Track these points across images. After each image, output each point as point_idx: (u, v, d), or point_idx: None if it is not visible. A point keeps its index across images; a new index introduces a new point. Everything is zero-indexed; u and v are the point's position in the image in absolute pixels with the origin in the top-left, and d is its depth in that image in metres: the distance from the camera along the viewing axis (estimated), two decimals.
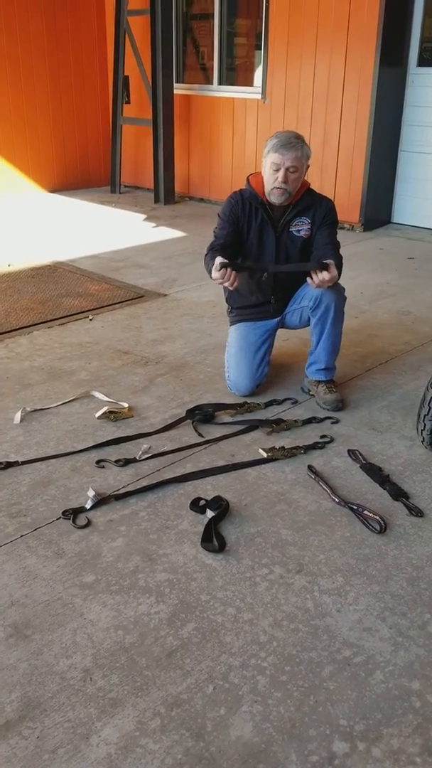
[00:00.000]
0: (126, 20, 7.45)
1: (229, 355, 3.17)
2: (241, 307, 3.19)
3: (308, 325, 3.09)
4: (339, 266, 2.91)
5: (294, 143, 2.85)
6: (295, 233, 3.02)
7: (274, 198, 2.92)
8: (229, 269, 2.73)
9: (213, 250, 2.91)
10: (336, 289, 2.95)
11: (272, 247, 3.02)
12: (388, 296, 4.54)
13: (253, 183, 3.01)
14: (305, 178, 2.99)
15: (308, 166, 2.94)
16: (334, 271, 2.79)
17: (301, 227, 3.01)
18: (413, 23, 5.96)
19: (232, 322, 3.25)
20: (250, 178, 3.04)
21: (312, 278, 2.80)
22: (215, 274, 2.75)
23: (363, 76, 6.04)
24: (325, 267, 2.78)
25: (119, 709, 1.62)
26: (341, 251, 3.02)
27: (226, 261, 2.75)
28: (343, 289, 3.01)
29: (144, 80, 7.43)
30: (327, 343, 3.04)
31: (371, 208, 6.33)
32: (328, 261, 2.81)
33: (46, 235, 6.19)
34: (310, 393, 3.12)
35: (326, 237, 3.00)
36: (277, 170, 2.85)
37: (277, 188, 2.88)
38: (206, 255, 2.93)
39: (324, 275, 2.77)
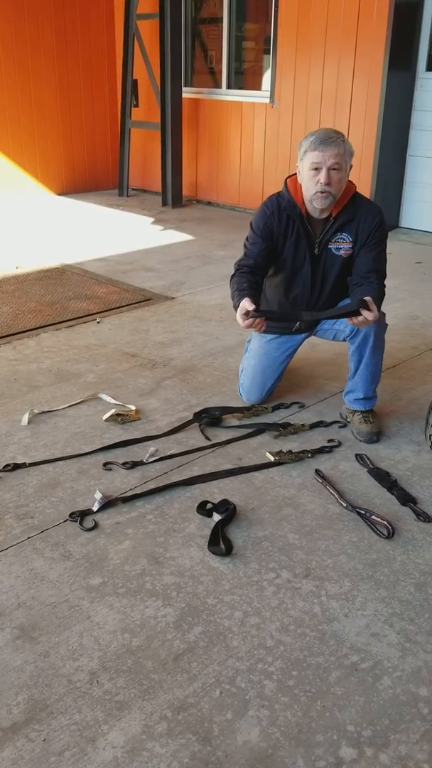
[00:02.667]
0: (135, 24, 7.47)
1: (247, 364, 3.06)
2: (271, 320, 2.86)
3: (341, 340, 2.93)
4: (381, 297, 2.67)
5: (334, 138, 2.56)
6: (334, 251, 2.76)
7: (318, 203, 2.63)
8: (256, 318, 2.53)
9: (241, 274, 2.70)
10: (381, 314, 2.70)
11: (308, 266, 2.79)
12: (396, 301, 4.53)
13: (290, 187, 2.72)
14: (349, 179, 2.70)
15: (351, 166, 2.66)
16: (376, 311, 2.50)
17: (342, 245, 2.75)
18: (422, 28, 5.96)
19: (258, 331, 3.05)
20: (288, 182, 2.75)
21: (352, 319, 2.55)
22: (240, 320, 2.54)
23: (372, 81, 6.04)
24: (366, 306, 2.48)
25: (126, 713, 1.62)
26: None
27: (253, 310, 2.52)
28: (384, 315, 2.77)
29: (152, 84, 7.44)
30: (365, 372, 2.83)
31: None
32: (368, 298, 2.50)
33: (53, 237, 6.20)
34: (347, 420, 2.93)
35: (370, 262, 2.72)
36: (318, 170, 2.56)
37: (320, 192, 2.58)
38: (233, 276, 2.74)
39: (364, 317, 2.49)
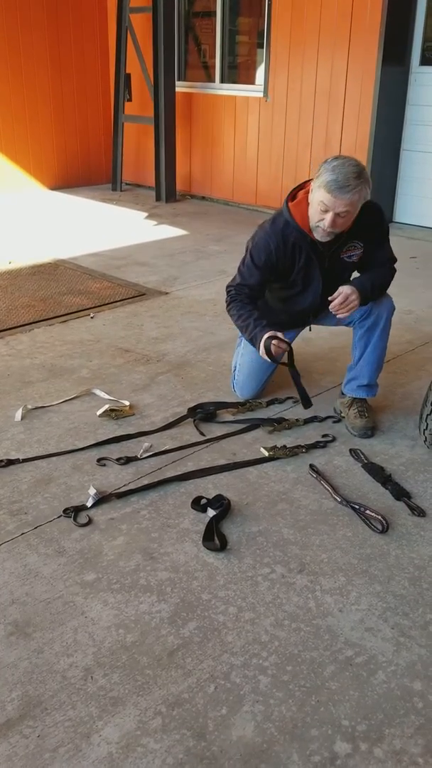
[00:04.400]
0: (128, 17, 7.44)
1: (242, 361, 3.04)
2: (270, 322, 2.83)
3: (345, 325, 2.89)
4: (387, 280, 2.73)
5: (352, 185, 2.41)
6: (346, 259, 2.74)
7: (318, 236, 2.61)
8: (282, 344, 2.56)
9: (244, 304, 2.68)
10: (387, 299, 2.77)
11: (319, 280, 2.75)
12: None
13: (297, 216, 2.62)
14: None
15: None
16: (349, 294, 2.57)
17: (354, 252, 2.73)
18: (416, 22, 5.95)
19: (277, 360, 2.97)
20: (292, 208, 2.64)
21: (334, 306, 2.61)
22: (267, 353, 2.55)
23: (365, 75, 6.03)
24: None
25: (120, 708, 1.61)
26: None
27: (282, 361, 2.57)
28: (391, 298, 2.79)
29: (146, 78, 7.41)
30: (372, 357, 2.80)
31: None
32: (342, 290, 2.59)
33: (47, 232, 6.18)
34: (342, 415, 2.90)
35: (380, 256, 2.74)
36: (325, 212, 2.48)
37: (323, 229, 2.55)
38: (233, 301, 2.71)
39: (337, 301, 2.58)
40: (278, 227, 2.67)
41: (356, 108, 6.18)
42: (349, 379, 2.91)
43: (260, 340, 2.61)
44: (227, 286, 2.81)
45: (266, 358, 2.60)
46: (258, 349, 2.66)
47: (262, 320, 2.67)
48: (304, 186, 2.68)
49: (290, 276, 2.75)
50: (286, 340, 2.63)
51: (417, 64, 6.07)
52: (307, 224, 2.61)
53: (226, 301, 2.81)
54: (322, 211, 2.49)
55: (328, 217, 2.49)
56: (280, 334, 2.61)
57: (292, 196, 2.68)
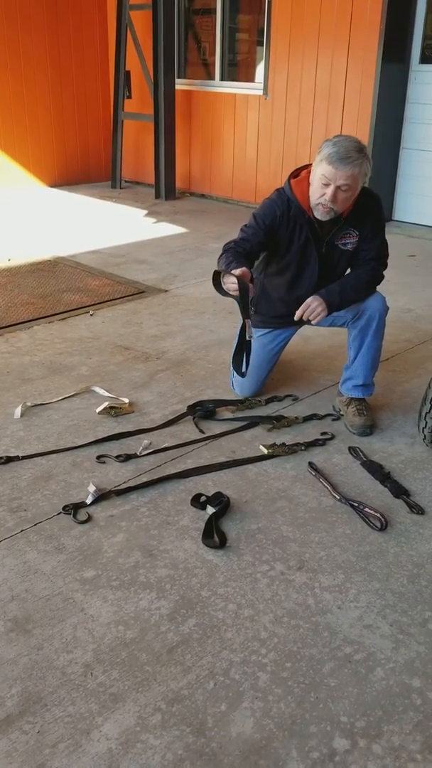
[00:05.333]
0: (128, 15, 7.43)
1: None
2: (268, 315, 2.97)
3: (339, 326, 2.91)
4: (373, 281, 2.78)
5: (354, 157, 2.46)
6: (341, 246, 2.75)
7: (318, 214, 2.62)
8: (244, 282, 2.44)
9: (236, 253, 2.61)
10: (380, 298, 2.79)
11: (315, 266, 2.77)
12: (388, 294, 4.50)
13: (297, 193, 2.65)
14: None
15: (367, 174, 2.60)
16: (310, 303, 2.64)
17: (349, 239, 2.73)
18: (416, 20, 5.95)
19: (253, 324, 2.99)
20: (293, 184, 2.67)
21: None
22: (228, 279, 2.46)
23: (365, 73, 6.03)
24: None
25: (120, 705, 1.62)
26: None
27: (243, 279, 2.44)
28: (384, 298, 2.81)
29: (145, 75, 7.41)
30: (367, 357, 2.82)
31: None
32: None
33: (46, 229, 6.18)
34: (341, 413, 2.92)
35: (373, 250, 2.76)
36: (327, 185, 2.51)
37: (323, 205, 2.57)
38: (225, 252, 2.66)
39: (299, 311, 2.66)
40: (285, 198, 2.70)
41: (356, 106, 6.18)
42: (345, 379, 2.92)
43: (229, 267, 2.53)
44: (227, 243, 2.74)
45: (228, 280, 2.48)
46: (222, 281, 2.55)
47: (243, 261, 2.58)
48: (307, 166, 2.71)
49: (287, 252, 2.75)
50: (244, 279, 2.47)
51: (417, 62, 6.07)
52: (308, 203, 2.64)
53: (221, 254, 2.71)
54: (323, 185, 2.52)
55: (329, 190, 2.51)
56: (242, 271, 2.48)
57: (295, 173, 2.72)
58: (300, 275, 2.80)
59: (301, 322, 2.95)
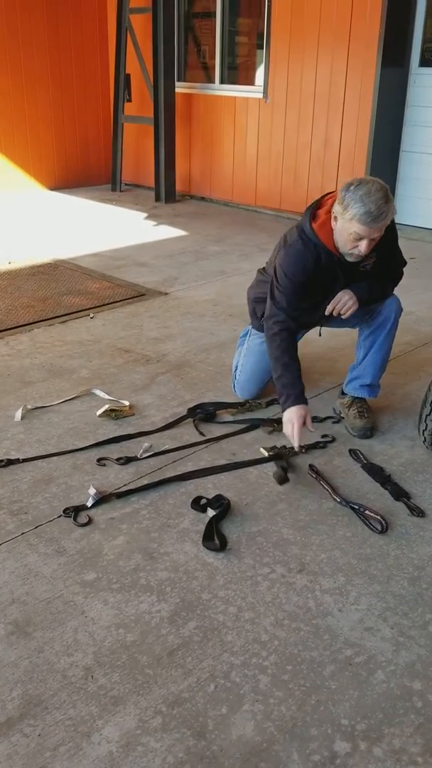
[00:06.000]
0: (128, 18, 7.45)
1: (246, 361, 3.04)
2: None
3: (351, 327, 2.89)
4: (384, 289, 2.76)
5: (385, 213, 2.38)
6: (361, 269, 2.69)
7: (350, 259, 2.56)
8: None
9: (283, 336, 2.59)
10: (395, 299, 2.78)
11: (340, 288, 2.70)
12: None
13: (323, 238, 2.55)
14: None
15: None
16: (341, 296, 2.64)
17: (369, 261, 2.68)
18: (415, 23, 5.96)
19: (260, 329, 2.95)
20: (317, 230, 2.55)
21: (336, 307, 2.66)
22: (293, 429, 2.47)
23: (365, 76, 6.04)
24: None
25: (120, 708, 1.62)
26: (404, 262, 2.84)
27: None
28: (399, 300, 2.81)
29: (145, 78, 7.42)
30: (377, 356, 2.80)
31: None
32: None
33: (46, 232, 6.18)
34: (341, 415, 2.90)
35: (393, 260, 2.73)
36: (359, 239, 2.44)
37: (356, 255, 2.51)
38: (274, 336, 2.61)
39: (339, 306, 2.64)
40: (311, 246, 2.59)
41: (356, 109, 6.19)
42: (351, 378, 2.91)
43: (288, 406, 2.54)
44: (268, 317, 2.68)
45: (293, 428, 2.51)
46: (282, 407, 2.58)
47: (299, 384, 2.59)
48: (322, 203, 2.62)
49: (315, 290, 2.70)
50: (306, 426, 2.52)
51: (416, 66, 6.08)
52: (334, 245, 2.55)
53: (269, 332, 2.67)
54: (355, 239, 2.44)
55: (364, 244, 2.44)
56: (307, 420, 2.52)
57: (313, 214, 2.61)
58: (322, 302, 2.76)
59: (314, 325, 2.93)
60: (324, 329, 3.03)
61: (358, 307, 2.68)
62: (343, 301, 2.66)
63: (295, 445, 2.52)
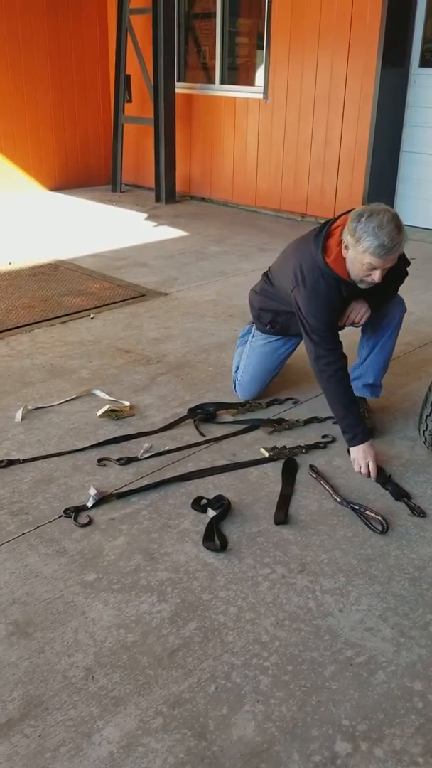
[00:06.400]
0: (128, 19, 7.45)
1: (248, 362, 3.04)
2: (291, 332, 2.91)
3: (356, 326, 2.87)
4: (401, 280, 2.79)
5: (397, 243, 2.36)
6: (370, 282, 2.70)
7: (363, 286, 2.55)
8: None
9: (340, 375, 2.60)
10: (400, 300, 2.80)
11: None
12: None
13: (339, 271, 2.53)
14: None
15: None
16: (360, 307, 2.67)
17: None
18: (415, 24, 5.96)
19: (264, 331, 3.01)
20: (332, 264, 2.53)
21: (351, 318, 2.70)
22: (367, 470, 2.53)
23: (365, 77, 6.04)
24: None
25: (121, 708, 1.62)
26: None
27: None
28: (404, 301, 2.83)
29: (145, 79, 7.42)
30: (380, 357, 2.82)
31: None
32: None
33: (46, 233, 6.18)
34: None
35: (401, 267, 2.71)
36: (372, 269, 2.43)
37: (368, 282, 2.51)
38: (331, 378, 2.60)
39: (353, 315, 2.68)
40: (332, 286, 2.57)
41: (356, 110, 6.19)
42: (353, 378, 2.89)
43: (356, 443, 2.58)
44: (313, 360, 2.66)
45: (367, 470, 2.55)
46: (349, 443, 2.61)
47: (363, 421, 2.64)
48: (330, 233, 2.58)
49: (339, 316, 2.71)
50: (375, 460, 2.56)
51: (416, 66, 6.08)
52: (347, 274, 2.53)
53: (324, 375, 2.63)
54: (368, 269, 2.43)
55: (377, 274, 2.43)
56: (374, 452, 2.58)
57: (324, 248, 2.56)
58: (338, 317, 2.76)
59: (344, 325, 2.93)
60: None
61: (371, 313, 2.71)
62: (357, 310, 2.69)
63: (373, 476, 2.53)
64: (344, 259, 2.51)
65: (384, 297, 2.76)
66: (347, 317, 2.72)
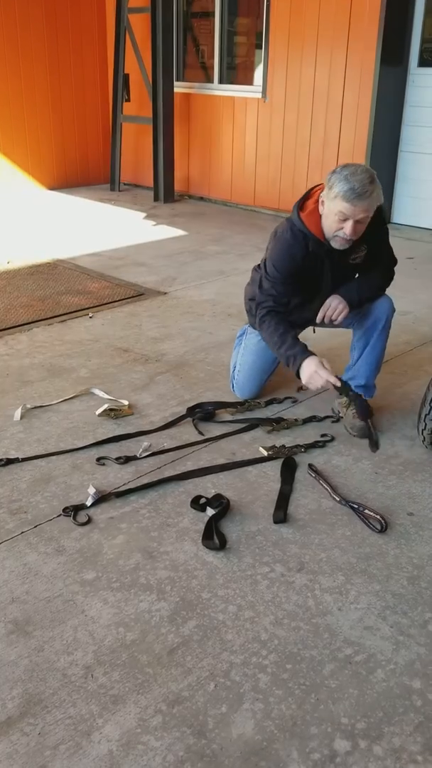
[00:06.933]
0: (126, 18, 7.44)
1: (243, 360, 3.05)
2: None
3: (345, 327, 2.91)
4: (386, 281, 2.80)
5: (369, 191, 2.42)
6: (351, 261, 2.76)
7: (336, 245, 2.60)
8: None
9: (279, 320, 2.64)
10: (387, 299, 2.81)
11: (328, 286, 2.77)
12: None
13: (311, 227, 2.60)
14: None
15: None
16: (331, 302, 2.68)
17: (359, 254, 2.74)
18: (414, 23, 5.96)
19: (255, 326, 3.01)
20: (304, 219, 2.61)
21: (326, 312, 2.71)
22: (316, 383, 2.52)
23: (364, 76, 6.05)
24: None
25: (120, 706, 1.62)
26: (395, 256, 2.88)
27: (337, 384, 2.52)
28: (391, 299, 2.83)
29: (144, 78, 7.42)
30: (370, 357, 2.83)
31: None
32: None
33: (45, 232, 6.18)
34: (340, 415, 2.90)
35: (379, 254, 2.76)
36: (345, 220, 2.48)
37: (341, 238, 2.55)
38: (264, 320, 2.66)
39: (329, 312, 2.68)
40: (300, 237, 2.64)
41: (354, 109, 6.19)
42: (346, 379, 2.91)
43: (299, 364, 2.57)
44: (257, 305, 2.73)
45: (315, 383, 2.55)
46: (295, 370, 2.61)
47: (303, 346, 2.63)
48: (310, 195, 2.68)
49: (306, 281, 2.74)
50: (327, 368, 2.55)
51: (415, 66, 6.08)
52: (322, 233, 2.60)
53: (258, 318, 2.71)
54: (340, 220, 2.48)
55: (348, 225, 2.48)
56: (325, 364, 2.55)
57: (301, 205, 2.66)
58: (313, 298, 2.80)
59: (308, 324, 2.96)
60: (318, 329, 3.04)
61: (348, 311, 2.72)
62: (333, 307, 2.70)
63: (333, 380, 2.51)
64: (319, 216, 2.58)
65: (362, 289, 2.74)
66: (323, 314, 2.72)
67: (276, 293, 2.70)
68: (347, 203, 2.43)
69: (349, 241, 2.58)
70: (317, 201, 2.60)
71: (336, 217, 2.49)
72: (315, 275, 2.72)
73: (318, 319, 2.74)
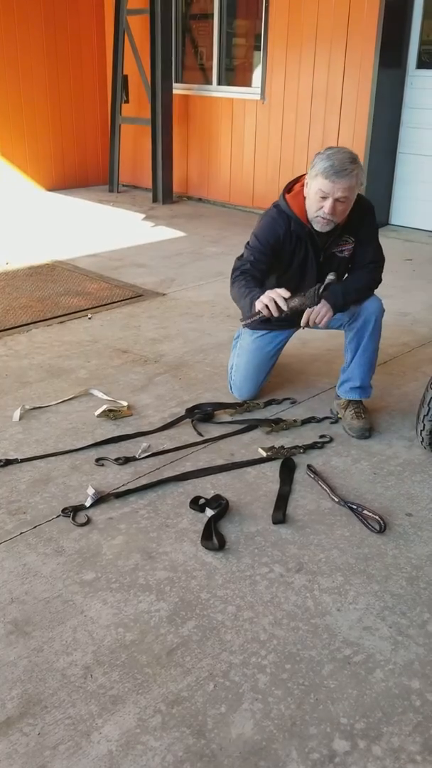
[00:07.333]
0: (125, 19, 7.45)
1: (239, 361, 3.05)
2: (266, 320, 2.96)
3: (336, 328, 2.92)
4: (374, 284, 2.82)
5: (348, 169, 2.48)
6: (338, 254, 2.80)
7: (317, 226, 2.65)
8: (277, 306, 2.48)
9: (250, 278, 2.66)
10: (376, 300, 2.82)
11: (314, 273, 2.79)
12: (386, 298, 4.50)
13: (294, 207, 2.68)
14: None
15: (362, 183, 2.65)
16: (320, 308, 2.66)
17: (345, 246, 2.78)
18: (412, 25, 5.97)
19: (251, 327, 3.01)
20: (289, 200, 2.70)
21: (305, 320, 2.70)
22: (271, 306, 2.48)
23: (362, 78, 6.05)
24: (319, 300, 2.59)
25: (120, 707, 1.62)
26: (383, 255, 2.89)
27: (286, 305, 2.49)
28: (381, 300, 2.84)
29: (143, 79, 7.42)
30: (363, 359, 2.84)
31: None
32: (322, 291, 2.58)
33: (44, 233, 6.18)
34: (339, 416, 2.92)
35: (369, 254, 2.80)
36: (324, 198, 2.54)
37: (322, 218, 2.60)
38: (236, 279, 2.69)
39: (313, 316, 2.67)
40: (284, 215, 2.72)
41: (353, 111, 6.20)
42: (342, 381, 2.94)
43: (255, 300, 2.54)
44: (233, 269, 2.77)
45: (271, 306, 2.50)
46: (254, 307, 2.58)
47: (260, 287, 2.65)
48: (299, 180, 2.75)
49: (289, 267, 2.79)
50: (283, 293, 2.49)
51: (413, 67, 6.09)
52: (305, 216, 2.67)
53: (232, 278, 2.74)
54: (321, 198, 2.55)
55: (328, 203, 2.54)
56: (280, 291, 2.49)
57: (288, 188, 2.75)
58: (301, 283, 2.81)
59: (306, 326, 2.96)
60: (312, 330, 3.04)
61: (332, 314, 2.71)
62: (317, 311, 2.69)
63: (283, 304, 2.48)
64: (303, 198, 2.65)
65: (348, 291, 2.74)
66: (307, 317, 2.72)
67: (254, 259, 2.73)
68: (326, 180, 2.49)
69: (329, 222, 2.61)
70: (303, 185, 2.67)
71: (316, 196, 2.55)
72: (299, 263, 2.76)
73: (302, 323, 2.75)
